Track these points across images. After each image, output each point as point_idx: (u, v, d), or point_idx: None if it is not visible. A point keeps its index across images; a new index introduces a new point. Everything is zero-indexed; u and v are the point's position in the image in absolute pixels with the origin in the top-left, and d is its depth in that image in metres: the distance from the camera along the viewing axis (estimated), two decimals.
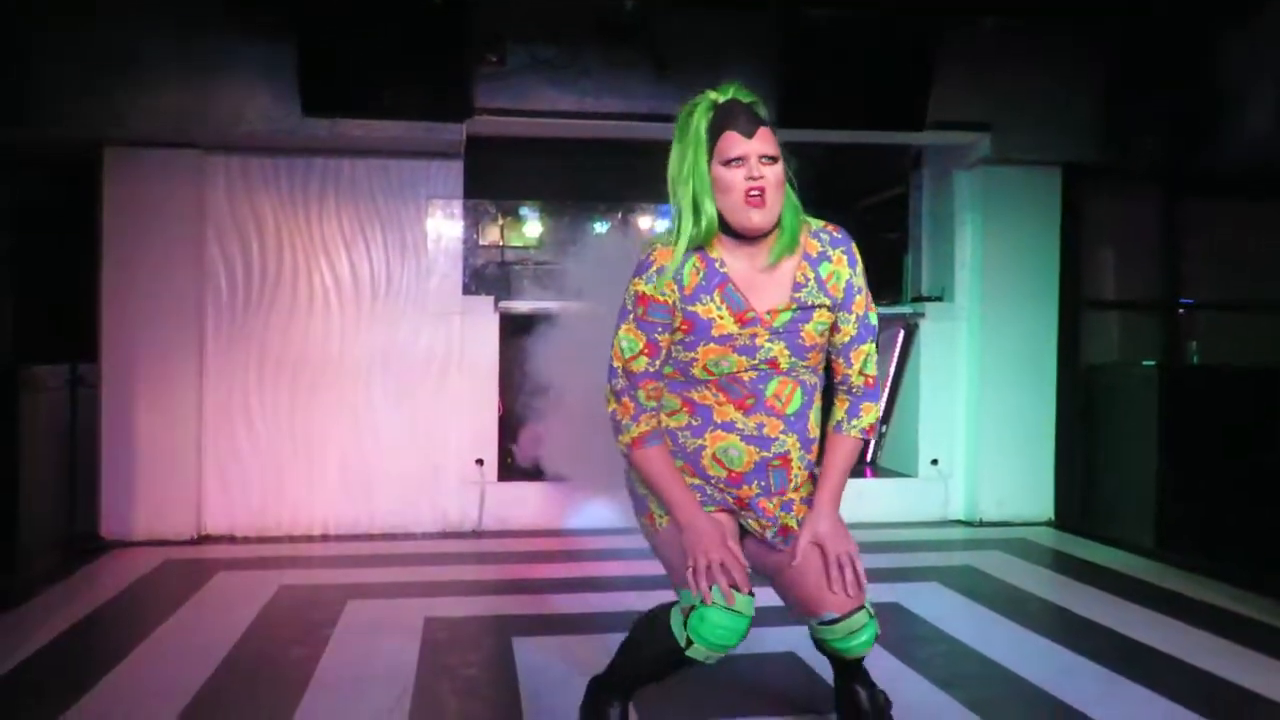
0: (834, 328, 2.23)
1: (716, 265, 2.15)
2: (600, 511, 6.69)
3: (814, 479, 2.30)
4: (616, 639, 4.29)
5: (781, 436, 2.18)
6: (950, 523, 7.12)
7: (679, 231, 2.14)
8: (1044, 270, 7.04)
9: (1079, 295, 7.10)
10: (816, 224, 2.24)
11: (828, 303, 2.17)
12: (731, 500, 2.28)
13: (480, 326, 6.75)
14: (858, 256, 2.25)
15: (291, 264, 6.54)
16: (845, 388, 2.28)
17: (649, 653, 2.41)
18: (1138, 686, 3.90)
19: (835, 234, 2.23)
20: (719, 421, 2.18)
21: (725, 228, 2.13)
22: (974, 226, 7.10)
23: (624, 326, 2.18)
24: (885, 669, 4.06)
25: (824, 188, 7.79)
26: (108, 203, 6.23)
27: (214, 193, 6.46)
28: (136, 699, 3.71)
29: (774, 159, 2.08)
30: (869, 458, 7.82)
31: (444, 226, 6.71)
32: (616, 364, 2.20)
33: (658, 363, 2.19)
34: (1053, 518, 7.04)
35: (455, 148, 6.50)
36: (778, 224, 2.15)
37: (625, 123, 6.48)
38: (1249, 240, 6.74)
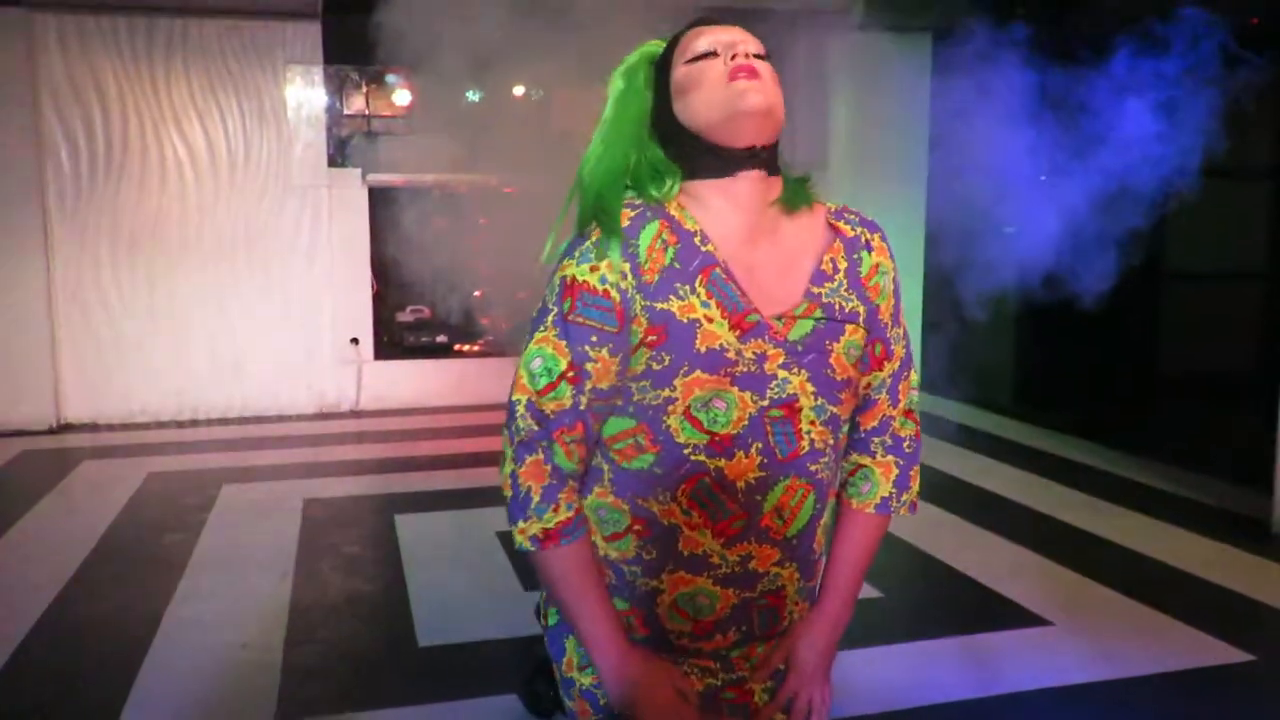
0: (872, 355, 1.39)
1: (695, 239, 1.28)
2: (480, 387, 6.68)
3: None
4: (499, 512, 4.35)
5: (775, 570, 1.36)
6: None
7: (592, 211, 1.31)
8: (913, 139, 7.15)
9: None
10: (831, 203, 1.43)
11: (863, 311, 1.34)
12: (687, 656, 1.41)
13: (348, 200, 6.51)
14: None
15: (139, 134, 6.13)
16: (888, 443, 1.46)
17: None
18: (991, 534, 4.18)
19: (865, 216, 1.42)
20: (685, 554, 1.33)
21: (694, 168, 1.31)
22: (847, 94, 7.12)
23: (538, 335, 1.28)
24: None
25: None
26: None
27: (46, 56, 5.95)
28: (3, 591, 3.59)
29: (763, 56, 1.30)
30: None
31: (304, 94, 6.37)
32: (519, 397, 1.28)
33: (585, 397, 1.27)
34: (919, 380, 7.35)
35: (312, 8, 6.12)
36: (778, 167, 1.37)
37: None
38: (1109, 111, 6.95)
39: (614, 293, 1.25)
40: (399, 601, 3.49)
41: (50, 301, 6.04)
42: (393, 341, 7.06)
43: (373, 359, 6.67)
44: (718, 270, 1.27)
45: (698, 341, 1.25)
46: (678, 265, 1.26)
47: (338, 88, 8.29)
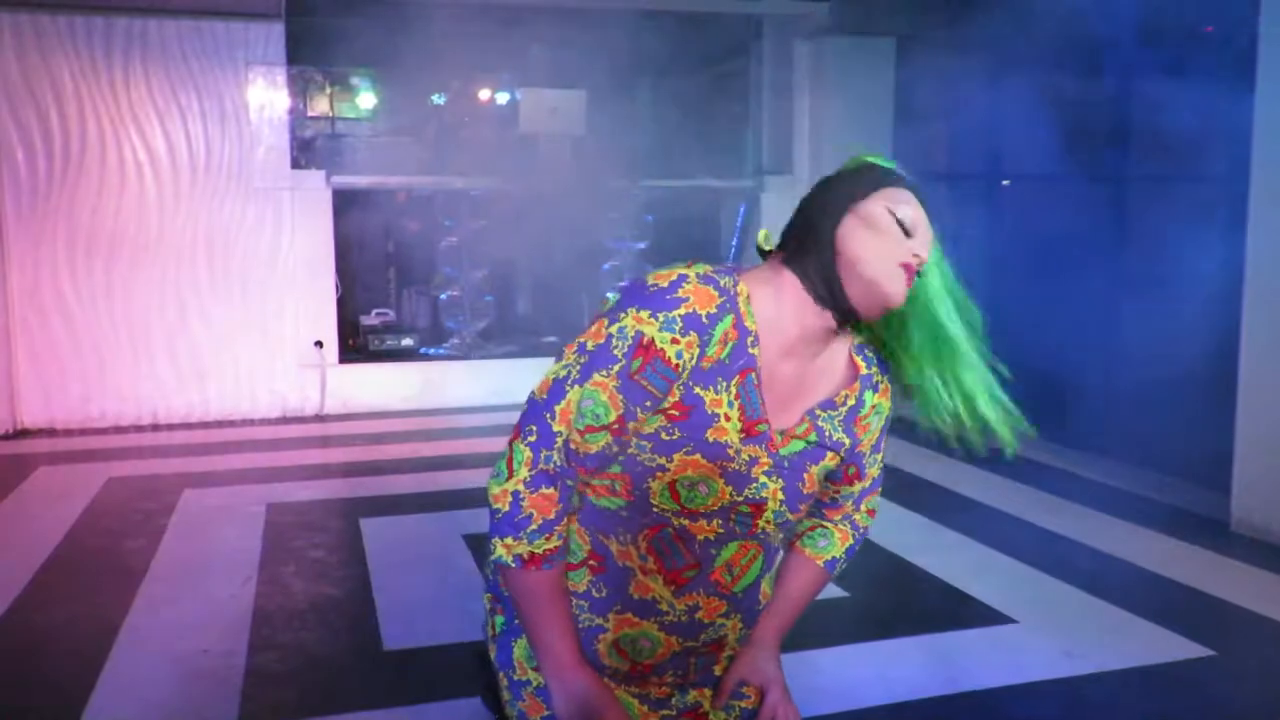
0: (845, 473, 1.49)
1: (748, 340, 1.32)
2: (446, 391, 6.65)
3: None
4: (466, 515, 4.33)
5: (720, 620, 1.41)
6: None
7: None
8: (878, 143, 7.20)
9: (908, 168, 7.32)
10: (857, 337, 1.47)
11: (847, 443, 1.43)
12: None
13: (311, 202, 6.45)
14: None
15: (98, 135, 6.04)
16: (849, 524, 1.57)
17: None
18: (956, 534, 4.22)
19: (881, 355, 1.47)
20: (635, 598, 1.37)
21: (805, 267, 1.35)
22: (812, 99, 7.17)
23: (597, 378, 1.28)
24: None
25: (667, 58, 7.69)
26: None
27: (1, 55, 5.85)
28: None
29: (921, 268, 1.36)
30: None
31: (267, 95, 6.29)
32: (560, 429, 1.30)
33: (616, 448, 1.32)
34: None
35: (274, 8, 6.05)
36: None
37: None
38: (1068, 118, 7.05)
39: (680, 369, 1.28)
40: (364, 605, 3.46)
41: (5, 304, 5.93)
42: (357, 345, 6.99)
43: (337, 362, 6.61)
44: (752, 375, 1.32)
45: (710, 431, 1.31)
46: (727, 361, 1.31)
47: (301, 89, 8.23)
